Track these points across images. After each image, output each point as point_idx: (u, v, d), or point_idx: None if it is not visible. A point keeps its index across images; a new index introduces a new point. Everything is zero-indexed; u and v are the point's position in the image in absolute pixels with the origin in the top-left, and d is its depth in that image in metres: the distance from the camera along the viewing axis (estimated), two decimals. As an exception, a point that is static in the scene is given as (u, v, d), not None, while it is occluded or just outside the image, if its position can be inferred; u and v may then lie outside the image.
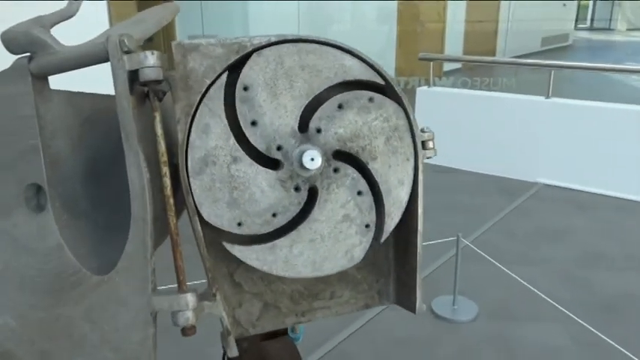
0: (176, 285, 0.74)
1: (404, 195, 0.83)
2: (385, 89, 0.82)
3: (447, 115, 5.59)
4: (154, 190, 0.71)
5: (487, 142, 5.65)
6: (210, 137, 0.74)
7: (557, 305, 3.31)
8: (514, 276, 3.53)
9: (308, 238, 0.80)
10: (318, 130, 0.79)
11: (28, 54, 0.77)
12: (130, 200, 0.87)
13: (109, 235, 0.80)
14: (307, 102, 0.78)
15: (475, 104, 5.82)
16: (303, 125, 0.79)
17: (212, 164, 0.74)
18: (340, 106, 0.79)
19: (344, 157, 0.81)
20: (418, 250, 0.84)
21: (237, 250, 0.78)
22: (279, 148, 0.78)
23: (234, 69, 0.76)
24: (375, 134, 0.80)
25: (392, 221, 0.84)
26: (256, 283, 0.87)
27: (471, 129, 5.68)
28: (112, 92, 0.73)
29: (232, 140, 0.76)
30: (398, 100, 0.81)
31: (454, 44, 12.03)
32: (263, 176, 0.77)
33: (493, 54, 13.49)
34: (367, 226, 0.83)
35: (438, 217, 4.28)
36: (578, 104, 5.34)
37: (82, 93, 0.87)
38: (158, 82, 0.71)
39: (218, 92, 0.75)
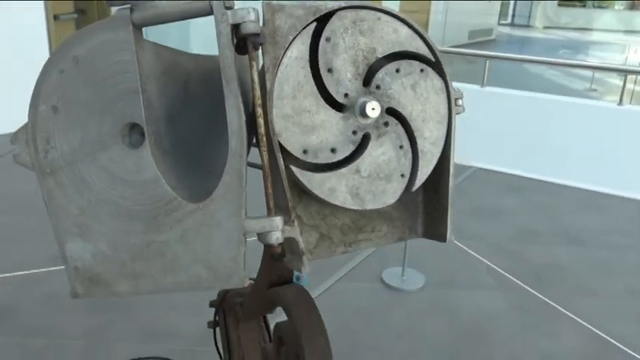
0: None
1: (437, 152, 0.99)
2: (431, 62, 0.97)
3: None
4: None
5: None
6: (292, 80, 0.87)
7: (494, 273, 3.65)
8: (461, 246, 3.82)
9: (353, 173, 0.94)
10: (378, 87, 0.93)
11: (128, 5, 0.83)
12: (193, 146, 0.98)
13: (185, 172, 0.90)
14: (374, 61, 0.92)
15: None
16: (367, 80, 0.93)
17: (293, 98, 0.87)
18: (397, 70, 0.93)
19: (393, 114, 0.95)
20: (450, 190, 1.01)
21: (305, 176, 0.90)
22: (345, 95, 0.91)
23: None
24: (420, 99, 0.96)
25: (423, 174, 0.99)
26: (313, 216, 1.00)
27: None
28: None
29: (312, 83, 0.88)
30: (440, 72, 0.97)
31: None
32: (330, 115, 0.90)
33: (425, 44, 13.94)
34: (402, 175, 0.97)
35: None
36: (511, 93, 5.76)
37: (162, 45, 0.95)
38: (256, 35, 0.82)
39: (305, 40, 0.88)
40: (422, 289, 3.48)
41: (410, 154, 0.97)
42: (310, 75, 0.89)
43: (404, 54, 0.96)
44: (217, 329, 1.91)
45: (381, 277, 3.56)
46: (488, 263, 3.80)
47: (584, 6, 24.40)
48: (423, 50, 0.97)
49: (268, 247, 0.85)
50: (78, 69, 0.83)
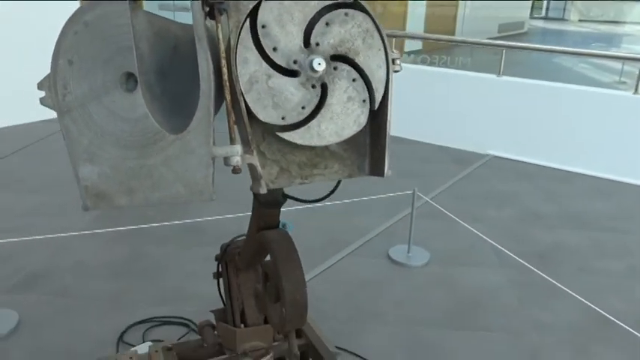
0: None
1: (382, 74, 1.18)
2: (354, 6, 1.15)
3: (406, 91, 5.98)
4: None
5: (443, 116, 6.10)
6: (249, 65, 1.08)
7: (498, 253, 3.78)
8: (468, 227, 3.96)
9: (329, 117, 1.15)
10: (317, 44, 1.13)
11: None
12: (179, 96, 1.21)
13: (170, 115, 1.14)
14: (305, 25, 1.12)
15: (433, 80, 6.24)
16: (307, 42, 1.13)
17: (255, 82, 1.09)
18: (327, 24, 1.13)
19: (338, 58, 1.15)
20: (387, 134, 1.20)
21: (287, 135, 1.14)
22: (295, 62, 1.12)
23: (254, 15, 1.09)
24: (354, 37, 1.14)
25: (379, 94, 1.19)
26: (275, 153, 1.21)
27: (429, 103, 6.11)
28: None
29: (264, 64, 1.10)
30: (365, 11, 1.16)
31: (415, 26, 12.43)
32: (290, 83, 1.11)
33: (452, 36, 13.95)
34: (364, 100, 1.18)
35: (395, 181, 4.68)
36: (525, 82, 5.83)
37: (156, 15, 1.19)
38: (220, 2, 1.04)
39: (247, 34, 1.08)
40: (426, 265, 3.65)
41: (363, 82, 1.17)
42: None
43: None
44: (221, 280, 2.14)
45: (388, 253, 3.75)
46: (493, 243, 3.92)
47: (619, -2, 23.86)
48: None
49: (231, 169, 1.08)
50: (88, 31, 1.06)
